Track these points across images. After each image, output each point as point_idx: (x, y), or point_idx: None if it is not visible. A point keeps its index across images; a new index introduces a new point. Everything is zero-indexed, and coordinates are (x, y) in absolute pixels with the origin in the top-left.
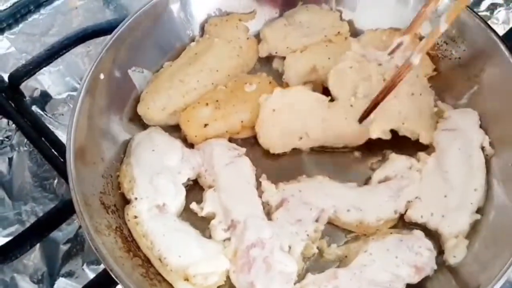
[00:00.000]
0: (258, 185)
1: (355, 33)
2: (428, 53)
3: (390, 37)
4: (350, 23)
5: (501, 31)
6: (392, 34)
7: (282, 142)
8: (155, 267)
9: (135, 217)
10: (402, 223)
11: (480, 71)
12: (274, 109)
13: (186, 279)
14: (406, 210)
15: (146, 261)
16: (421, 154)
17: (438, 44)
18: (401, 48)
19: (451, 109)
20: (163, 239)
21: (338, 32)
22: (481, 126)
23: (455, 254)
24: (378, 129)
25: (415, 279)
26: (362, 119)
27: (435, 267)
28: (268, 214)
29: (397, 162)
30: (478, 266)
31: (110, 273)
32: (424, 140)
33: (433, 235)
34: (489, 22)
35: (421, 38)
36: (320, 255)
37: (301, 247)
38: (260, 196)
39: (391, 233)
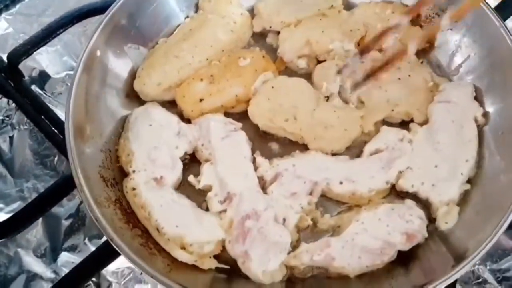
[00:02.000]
0: (254, 159)
1: (348, 6)
2: (420, 25)
3: (383, 10)
4: None
5: (493, 3)
6: (385, 7)
7: (269, 116)
8: (153, 237)
9: (133, 189)
10: (394, 194)
11: (472, 42)
12: (273, 86)
13: (183, 248)
14: (397, 180)
15: (146, 232)
16: (413, 125)
17: (430, 16)
18: (398, 29)
19: (446, 82)
20: (160, 209)
21: (332, 6)
22: (476, 97)
23: (447, 220)
24: (369, 123)
25: (406, 246)
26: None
27: (426, 234)
28: (263, 189)
29: (388, 134)
30: (467, 232)
31: (111, 242)
32: (418, 119)
33: (424, 205)
34: None
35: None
36: (314, 225)
37: (296, 219)
38: (255, 170)
39: (383, 203)
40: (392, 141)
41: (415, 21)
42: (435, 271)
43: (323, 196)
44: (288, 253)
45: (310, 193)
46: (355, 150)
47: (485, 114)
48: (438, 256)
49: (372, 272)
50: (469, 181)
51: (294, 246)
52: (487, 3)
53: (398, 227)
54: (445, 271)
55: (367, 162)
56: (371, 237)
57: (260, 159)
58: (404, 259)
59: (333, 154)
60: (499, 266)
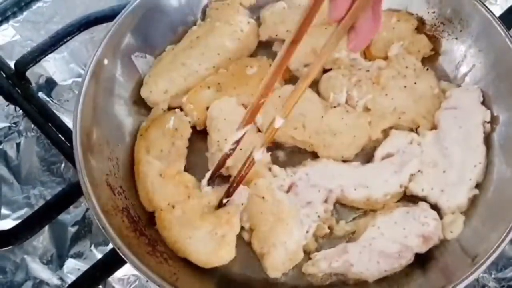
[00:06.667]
0: None
1: None
2: (425, 33)
3: (388, 18)
4: None
5: (498, 11)
6: (390, 15)
7: None
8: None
9: None
10: (407, 199)
11: (478, 52)
12: (280, 95)
13: None
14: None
15: (153, 240)
16: (421, 130)
17: (435, 25)
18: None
19: (453, 88)
20: None
21: None
22: (484, 102)
23: (452, 229)
24: (377, 131)
25: (423, 249)
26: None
27: (442, 236)
28: None
29: (397, 138)
30: (475, 239)
31: (118, 251)
32: (425, 127)
33: (435, 209)
34: (486, 3)
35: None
36: (330, 232)
37: (313, 228)
38: None
39: (397, 206)
40: (402, 144)
41: (420, 29)
42: (453, 272)
43: (337, 202)
44: (306, 261)
45: (325, 201)
46: (365, 156)
47: (494, 119)
48: (454, 257)
49: (391, 276)
50: (477, 186)
51: (311, 252)
52: (491, 12)
53: (414, 229)
54: (463, 272)
55: (379, 166)
56: (388, 241)
57: (276, 169)
58: (422, 261)
59: (343, 161)
60: (504, 274)
